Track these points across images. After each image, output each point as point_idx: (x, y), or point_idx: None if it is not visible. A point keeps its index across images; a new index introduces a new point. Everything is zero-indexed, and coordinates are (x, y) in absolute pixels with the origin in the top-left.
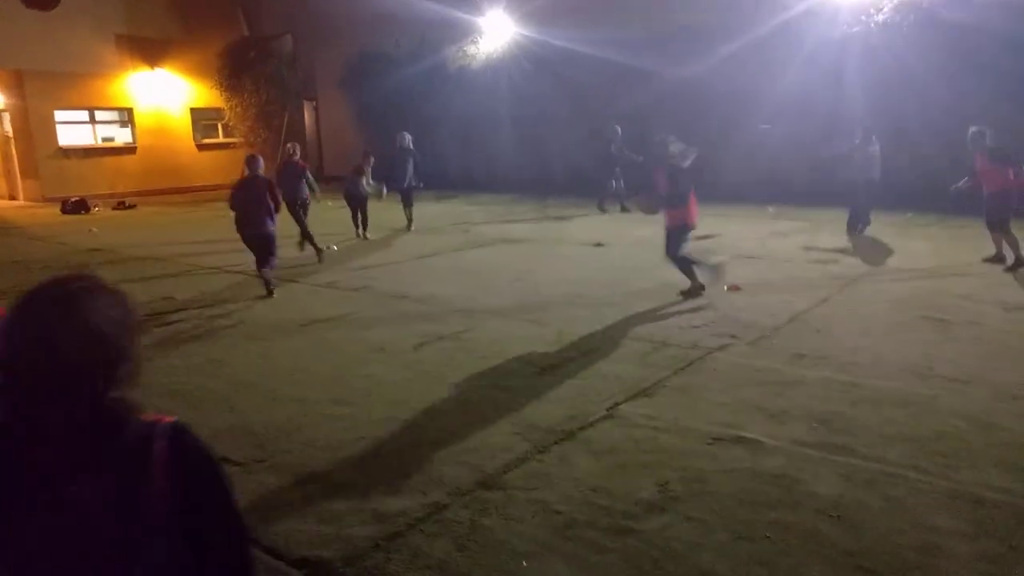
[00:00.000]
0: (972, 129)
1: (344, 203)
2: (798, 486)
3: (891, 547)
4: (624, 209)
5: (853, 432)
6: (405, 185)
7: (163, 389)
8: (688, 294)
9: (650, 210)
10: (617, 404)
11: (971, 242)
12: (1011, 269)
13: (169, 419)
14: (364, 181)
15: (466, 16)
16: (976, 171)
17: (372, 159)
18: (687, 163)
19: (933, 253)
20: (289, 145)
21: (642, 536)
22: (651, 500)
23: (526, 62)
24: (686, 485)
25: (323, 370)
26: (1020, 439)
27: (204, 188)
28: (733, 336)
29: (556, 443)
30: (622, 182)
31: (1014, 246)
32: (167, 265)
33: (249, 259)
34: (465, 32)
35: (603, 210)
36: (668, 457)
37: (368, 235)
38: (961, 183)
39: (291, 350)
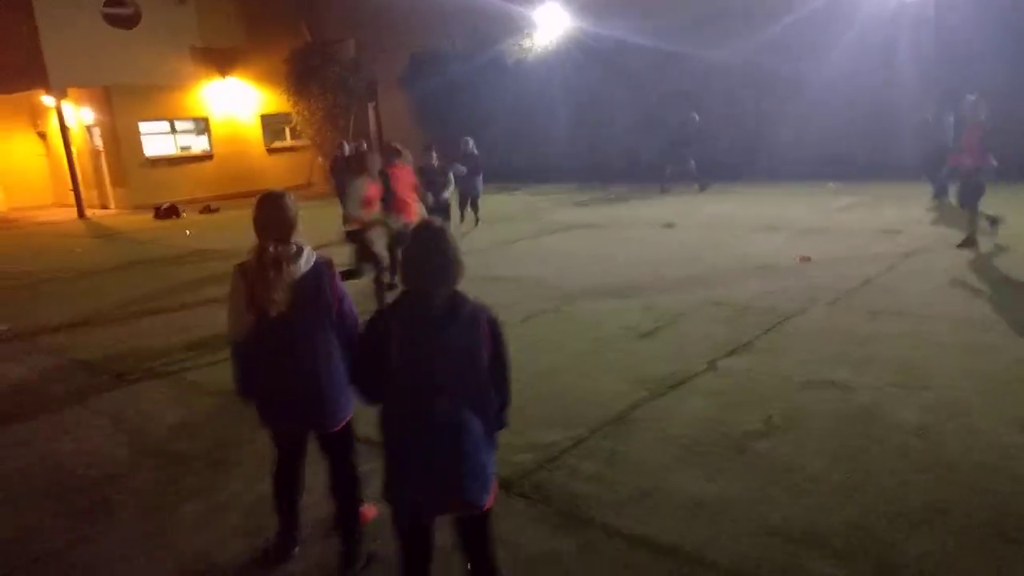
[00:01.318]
0: (971, 97)
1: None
2: (884, 416)
3: (971, 456)
4: (702, 189)
5: (928, 374)
6: (476, 191)
7: None
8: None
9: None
10: (715, 359)
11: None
12: (963, 245)
13: (487, 306)
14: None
15: (520, 10)
16: (964, 142)
17: (434, 154)
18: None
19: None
20: (352, 142)
21: (756, 453)
22: (758, 429)
23: (579, 53)
24: (787, 418)
25: None
26: None
27: None
28: (811, 300)
29: (670, 389)
30: (693, 163)
31: (973, 224)
32: None
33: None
34: (519, 26)
35: (665, 190)
36: (768, 398)
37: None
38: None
39: None
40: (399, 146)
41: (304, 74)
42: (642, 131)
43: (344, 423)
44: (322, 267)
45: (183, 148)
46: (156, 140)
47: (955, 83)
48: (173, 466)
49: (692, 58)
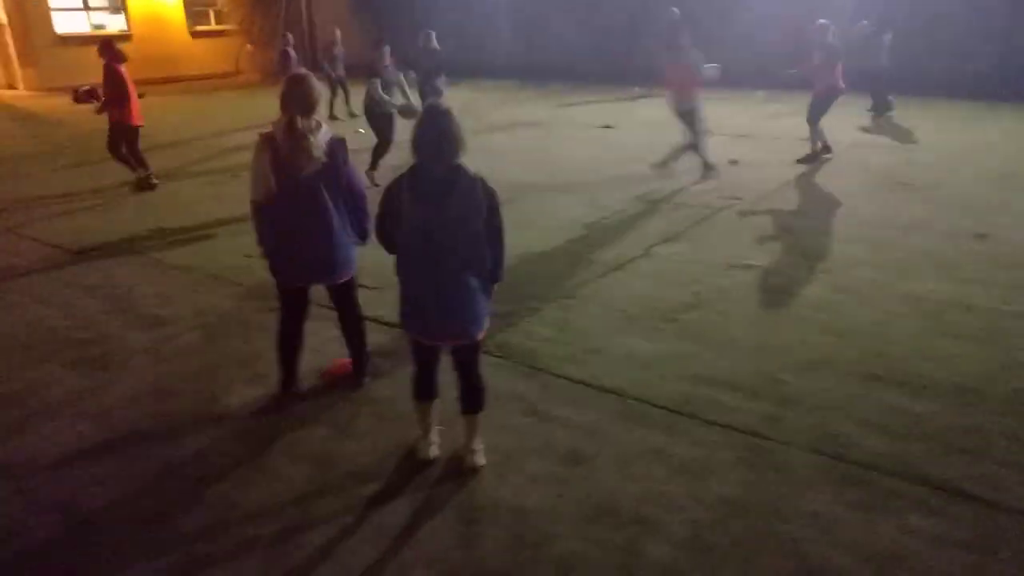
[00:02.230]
0: (820, 21)
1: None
2: (792, 292)
3: (858, 322)
4: None
5: (833, 261)
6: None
7: None
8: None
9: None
10: (651, 246)
11: (936, 121)
12: (803, 161)
13: (483, 177)
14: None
15: None
16: (811, 63)
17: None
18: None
19: (904, 132)
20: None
21: (685, 322)
22: (688, 302)
23: None
24: (711, 294)
25: None
26: (952, 261)
27: (198, 77)
28: (735, 198)
29: (611, 271)
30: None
31: (820, 137)
32: (234, 148)
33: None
34: None
35: None
36: (695, 278)
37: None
38: (793, 71)
39: None
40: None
41: None
42: (586, 35)
43: (350, 277)
44: (336, 142)
45: (96, 27)
46: (67, 17)
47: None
48: (162, 327)
49: None
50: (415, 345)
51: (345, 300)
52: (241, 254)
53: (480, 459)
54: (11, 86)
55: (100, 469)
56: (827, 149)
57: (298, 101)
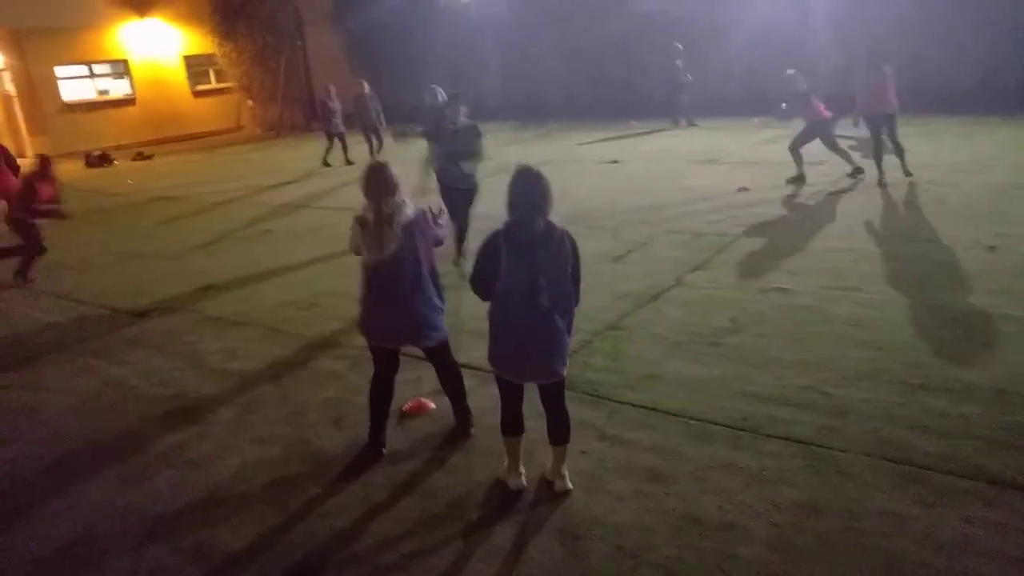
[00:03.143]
0: (788, 72)
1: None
2: (825, 312)
3: (892, 335)
4: (691, 124)
5: (859, 279)
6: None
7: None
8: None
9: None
10: (682, 276)
11: (950, 142)
12: (796, 180)
13: (568, 230)
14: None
15: None
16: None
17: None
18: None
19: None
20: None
21: (729, 346)
22: (727, 327)
23: None
24: (748, 317)
25: None
26: (970, 273)
27: (202, 135)
28: (752, 224)
29: (648, 301)
30: (687, 97)
31: (801, 161)
32: (255, 203)
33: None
34: None
35: (680, 124)
36: (730, 303)
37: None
38: (784, 106)
39: None
40: None
41: (229, 13)
42: (577, 72)
43: (441, 340)
44: (420, 216)
45: (100, 92)
46: (73, 85)
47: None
48: (237, 380)
49: (623, 1)
50: (504, 384)
51: (437, 358)
52: (293, 307)
53: (569, 483)
54: (20, 155)
55: (223, 511)
56: (801, 178)
57: (381, 188)
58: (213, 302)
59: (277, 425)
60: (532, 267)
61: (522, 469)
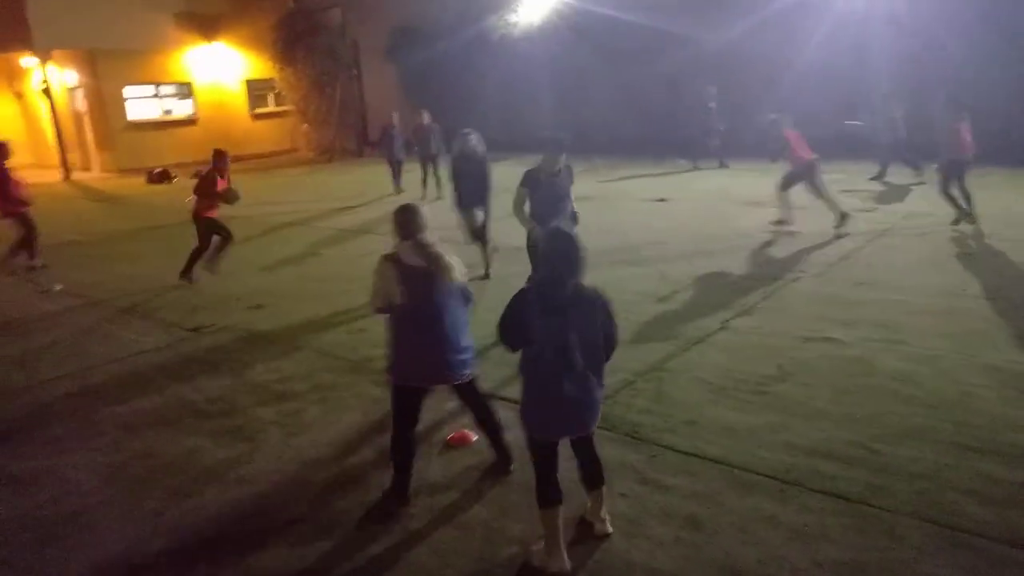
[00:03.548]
0: (770, 117)
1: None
2: (872, 364)
3: (942, 393)
4: (723, 165)
5: (907, 332)
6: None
7: None
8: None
9: None
10: (727, 320)
11: (989, 191)
12: (778, 223)
13: (602, 292)
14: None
15: None
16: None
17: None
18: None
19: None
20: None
21: (772, 394)
22: (773, 375)
23: (565, 29)
24: (794, 366)
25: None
26: None
27: (259, 156)
28: (800, 269)
29: (693, 344)
30: (719, 140)
31: (785, 208)
32: (311, 227)
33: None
34: (506, 1)
35: (699, 166)
36: (776, 350)
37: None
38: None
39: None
40: None
41: (290, 40)
42: (626, 109)
43: (472, 378)
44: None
45: (165, 112)
46: (140, 104)
47: (922, 76)
48: (287, 401)
49: (677, 39)
50: (538, 447)
51: (469, 396)
52: (343, 330)
53: (609, 527)
54: (85, 168)
55: (267, 531)
56: (783, 222)
57: (414, 226)
58: (265, 321)
59: (322, 449)
60: (564, 327)
61: (563, 543)
